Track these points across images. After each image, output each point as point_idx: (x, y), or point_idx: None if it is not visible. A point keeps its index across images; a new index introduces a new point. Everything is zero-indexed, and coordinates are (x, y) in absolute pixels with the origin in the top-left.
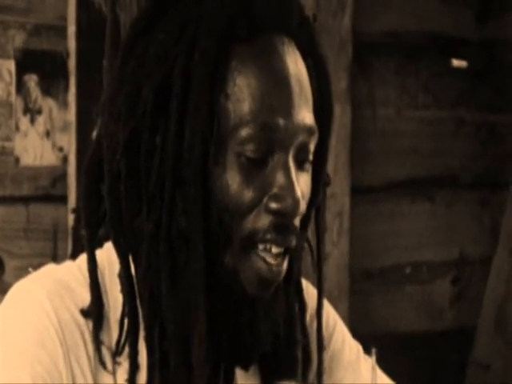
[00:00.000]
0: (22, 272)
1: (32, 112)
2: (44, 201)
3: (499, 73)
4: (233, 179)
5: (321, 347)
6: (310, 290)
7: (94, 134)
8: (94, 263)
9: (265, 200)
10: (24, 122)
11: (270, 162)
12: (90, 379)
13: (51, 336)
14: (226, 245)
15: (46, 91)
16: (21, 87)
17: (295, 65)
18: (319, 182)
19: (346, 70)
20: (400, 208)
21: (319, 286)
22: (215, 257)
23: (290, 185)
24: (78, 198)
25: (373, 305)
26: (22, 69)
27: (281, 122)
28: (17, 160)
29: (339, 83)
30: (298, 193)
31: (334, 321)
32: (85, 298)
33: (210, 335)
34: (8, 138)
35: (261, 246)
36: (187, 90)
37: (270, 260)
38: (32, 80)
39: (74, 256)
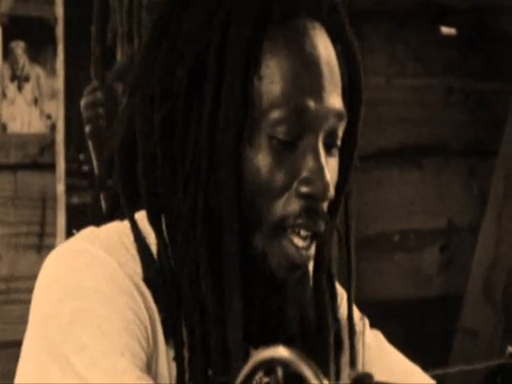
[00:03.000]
0: (9, 239)
1: (19, 79)
2: (32, 169)
3: (488, 40)
4: (264, 162)
5: (352, 332)
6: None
7: (82, 101)
8: (143, 241)
9: (295, 184)
10: (11, 89)
11: (300, 145)
12: (151, 340)
13: (128, 285)
14: (256, 228)
15: (34, 58)
16: (8, 54)
17: (326, 50)
18: (349, 168)
19: None
20: (389, 176)
21: (349, 270)
22: (246, 239)
23: (319, 168)
24: (100, 177)
25: (361, 273)
26: (8, 35)
27: (312, 104)
28: (4, 127)
29: None
30: (328, 176)
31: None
32: (131, 263)
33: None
34: None
35: (289, 230)
36: (221, 71)
37: (299, 242)
38: (19, 47)
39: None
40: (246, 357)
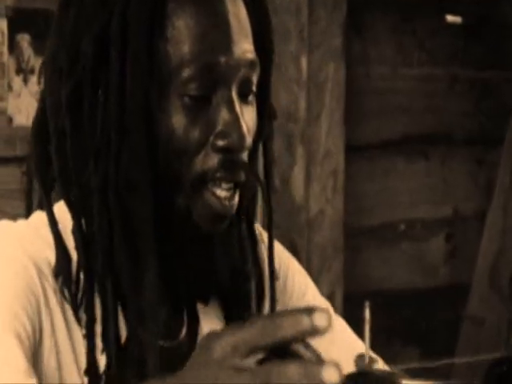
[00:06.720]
0: None
1: (25, 72)
2: None
3: (493, 30)
4: (178, 121)
5: (273, 277)
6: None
7: None
8: (55, 223)
9: (211, 139)
10: (17, 81)
11: (213, 99)
12: (63, 326)
13: (32, 273)
14: (177, 188)
15: (39, 51)
16: (13, 47)
17: (232, 2)
18: (264, 114)
19: (341, 27)
20: (394, 166)
21: (269, 219)
22: (167, 200)
23: (234, 120)
24: (28, 161)
25: (367, 262)
26: (14, 28)
27: (222, 59)
28: (10, 120)
29: (333, 40)
30: (244, 128)
31: (305, 281)
32: (40, 249)
33: (166, 278)
34: (1, 98)
35: (210, 184)
36: (126, 39)
37: (221, 194)
38: (25, 40)
39: (27, 217)
40: (177, 317)
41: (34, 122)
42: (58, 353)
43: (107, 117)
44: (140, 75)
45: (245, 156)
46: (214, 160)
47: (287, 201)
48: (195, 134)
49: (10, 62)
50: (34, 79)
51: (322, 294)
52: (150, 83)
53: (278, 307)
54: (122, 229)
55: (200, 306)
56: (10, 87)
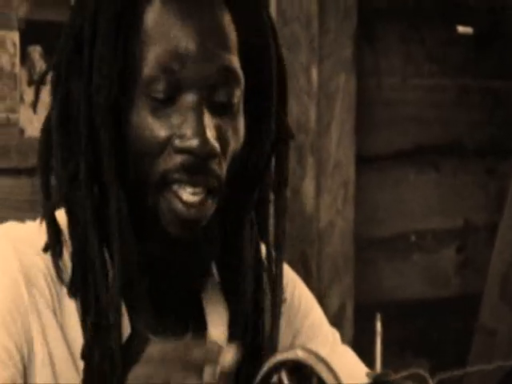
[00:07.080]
0: None
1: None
2: None
3: (503, 39)
4: (143, 120)
5: (280, 294)
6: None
7: None
8: (52, 211)
9: (173, 140)
10: (29, 93)
11: (180, 101)
12: (55, 322)
13: (21, 290)
14: (143, 188)
15: (51, 63)
16: (25, 59)
17: (211, 8)
18: (264, 130)
19: (351, 37)
20: (405, 176)
21: (279, 238)
22: (138, 199)
23: (197, 124)
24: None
25: (378, 273)
26: (26, 40)
27: (186, 63)
28: (21, 132)
29: (344, 51)
30: (208, 133)
31: (311, 302)
32: (41, 250)
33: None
34: (13, 110)
35: (175, 186)
36: (95, 41)
37: (188, 198)
38: (36, 51)
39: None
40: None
41: (42, 125)
42: (51, 357)
43: (78, 114)
44: (105, 73)
45: (213, 163)
46: (174, 161)
47: (298, 212)
48: (160, 133)
49: (21, 73)
50: (45, 91)
51: (333, 305)
52: (115, 82)
53: (284, 322)
54: (97, 225)
55: (208, 309)
56: (21, 99)
